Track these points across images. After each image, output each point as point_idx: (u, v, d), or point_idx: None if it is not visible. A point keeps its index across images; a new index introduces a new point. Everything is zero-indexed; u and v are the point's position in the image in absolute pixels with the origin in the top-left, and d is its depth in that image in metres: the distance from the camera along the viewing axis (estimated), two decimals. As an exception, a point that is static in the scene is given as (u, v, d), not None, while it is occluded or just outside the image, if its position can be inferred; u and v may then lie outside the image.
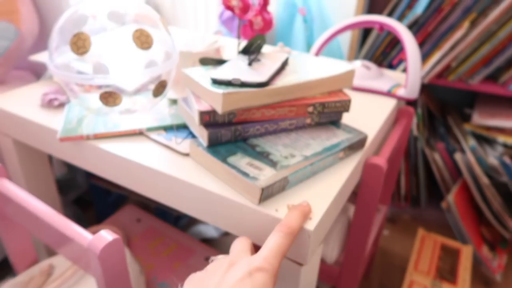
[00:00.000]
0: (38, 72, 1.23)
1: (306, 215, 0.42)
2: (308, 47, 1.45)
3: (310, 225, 0.47)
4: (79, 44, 0.59)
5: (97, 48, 0.60)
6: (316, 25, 1.45)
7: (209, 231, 1.29)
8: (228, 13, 1.44)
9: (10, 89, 1.09)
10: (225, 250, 1.02)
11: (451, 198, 1.21)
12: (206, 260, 0.83)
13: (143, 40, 0.61)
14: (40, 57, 0.87)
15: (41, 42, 1.19)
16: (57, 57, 0.66)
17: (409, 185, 1.43)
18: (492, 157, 1.20)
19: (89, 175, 1.24)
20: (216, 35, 1.33)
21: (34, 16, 1.10)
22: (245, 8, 0.67)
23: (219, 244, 1.23)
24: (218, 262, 0.37)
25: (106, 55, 0.63)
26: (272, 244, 0.37)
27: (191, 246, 0.86)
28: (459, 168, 1.29)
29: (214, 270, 0.36)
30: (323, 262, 0.86)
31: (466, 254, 1.03)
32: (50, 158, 1.14)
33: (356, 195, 0.73)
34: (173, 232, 0.91)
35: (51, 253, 0.92)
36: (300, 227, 0.40)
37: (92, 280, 0.72)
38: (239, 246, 0.40)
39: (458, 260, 1.02)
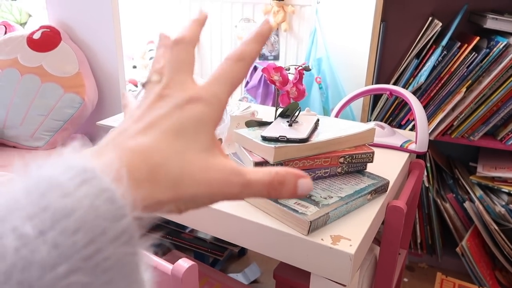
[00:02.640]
0: (91, 136, 1.41)
1: (262, 38, 0.29)
2: (324, 111, 1.64)
3: (351, 250, 0.59)
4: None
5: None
6: (330, 92, 1.64)
7: (239, 279, 1.37)
8: (253, 83, 1.65)
9: (70, 150, 1.26)
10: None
11: (465, 243, 1.31)
12: (249, 297, 0.93)
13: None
14: (107, 122, 1.04)
15: (98, 110, 1.38)
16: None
17: (424, 234, 1.52)
18: (499, 206, 1.32)
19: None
20: (242, 101, 1.52)
21: (95, 88, 1.31)
22: (284, 82, 0.84)
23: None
24: (152, 92, 0.27)
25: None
26: (217, 71, 0.27)
27: (233, 285, 0.96)
28: (469, 216, 1.40)
29: (143, 103, 0.26)
30: (352, 300, 0.95)
31: (483, 296, 1.11)
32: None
33: (381, 237, 0.84)
34: (215, 274, 1.01)
35: None
36: (255, 52, 0.28)
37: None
38: (176, 71, 0.27)
39: (477, 302, 1.10)
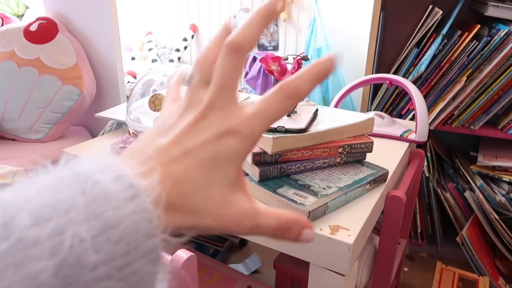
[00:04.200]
0: (90, 128, 1.41)
1: (322, 76, 0.27)
2: (323, 101, 1.63)
3: (350, 239, 0.59)
4: (156, 103, 0.75)
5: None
6: (330, 82, 1.63)
7: (240, 269, 1.38)
8: (252, 74, 1.64)
9: (70, 142, 1.26)
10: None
11: (465, 232, 1.31)
12: (249, 287, 0.93)
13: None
14: (105, 113, 1.04)
15: (97, 102, 1.37)
16: (131, 113, 0.82)
17: (424, 223, 1.52)
18: (500, 195, 1.32)
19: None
20: (242, 92, 1.51)
21: (93, 80, 1.30)
22: (283, 72, 0.84)
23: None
24: (195, 100, 0.27)
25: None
26: (263, 104, 0.26)
27: (233, 275, 0.97)
28: (470, 205, 1.40)
29: (185, 112, 0.27)
30: (352, 290, 0.95)
31: (483, 284, 1.11)
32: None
33: (381, 227, 0.84)
34: (215, 264, 1.01)
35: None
36: (307, 94, 0.27)
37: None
38: (223, 87, 0.26)
39: (477, 291, 1.10)
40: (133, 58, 2.40)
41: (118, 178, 0.20)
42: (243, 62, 0.27)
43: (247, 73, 1.70)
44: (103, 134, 1.05)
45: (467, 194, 1.38)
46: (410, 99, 1.37)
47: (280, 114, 0.27)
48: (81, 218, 0.18)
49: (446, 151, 1.57)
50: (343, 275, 0.62)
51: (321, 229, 0.62)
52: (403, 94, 1.40)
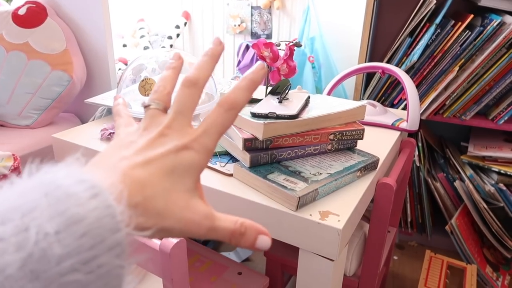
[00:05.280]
0: (80, 115, 1.39)
1: (254, 85, 0.32)
2: (316, 90, 1.62)
3: (339, 225, 0.59)
4: (146, 88, 0.74)
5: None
6: (323, 72, 1.63)
7: (231, 257, 1.38)
8: (245, 62, 1.63)
9: (59, 128, 1.24)
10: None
11: (454, 221, 1.32)
12: (239, 274, 0.94)
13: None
14: (95, 99, 1.02)
15: (87, 89, 1.35)
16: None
17: (414, 212, 1.54)
18: (489, 185, 1.33)
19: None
20: (234, 80, 1.50)
21: (83, 66, 1.28)
22: (275, 58, 0.83)
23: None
24: (153, 122, 0.31)
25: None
26: (209, 120, 0.31)
27: (224, 263, 0.97)
28: (459, 195, 1.41)
29: (145, 132, 0.31)
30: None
31: (471, 272, 1.13)
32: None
33: (371, 214, 0.85)
34: (207, 251, 1.02)
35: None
36: (246, 101, 0.32)
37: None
38: (180, 113, 0.31)
39: (464, 278, 1.12)
40: (124, 45, 2.37)
41: (81, 181, 0.22)
42: (198, 93, 0.32)
43: (239, 62, 1.68)
44: (93, 120, 1.04)
45: (457, 184, 1.40)
46: (402, 89, 1.37)
47: (226, 126, 0.31)
48: (45, 216, 0.20)
49: (437, 142, 1.58)
50: (332, 260, 0.63)
51: (311, 215, 0.62)
52: (396, 84, 1.40)
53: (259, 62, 0.32)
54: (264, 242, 0.31)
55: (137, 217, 0.25)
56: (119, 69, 1.89)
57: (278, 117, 0.70)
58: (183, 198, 0.29)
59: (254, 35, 2.10)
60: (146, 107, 0.32)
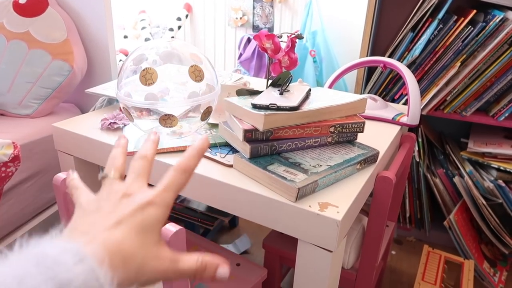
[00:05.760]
0: (81, 105, 1.39)
1: (201, 153, 0.39)
2: (317, 84, 1.62)
3: (338, 216, 0.60)
4: (147, 77, 0.74)
5: (162, 80, 0.75)
6: (325, 66, 1.62)
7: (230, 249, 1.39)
8: (246, 55, 1.62)
9: (60, 118, 1.24)
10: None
11: (453, 217, 1.33)
12: (238, 265, 0.94)
13: (197, 74, 0.76)
14: (95, 90, 1.02)
15: (88, 80, 1.35)
16: (121, 88, 0.81)
17: (413, 208, 1.54)
18: (488, 181, 1.33)
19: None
20: (235, 73, 1.50)
21: (84, 56, 1.27)
22: (276, 50, 0.83)
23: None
24: (114, 188, 0.36)
25: (166, 86, 0.78)
26: (167, 180, 0.36)
27: (223, 253, 0.97)
28: (458, 191, 1.41)
29: (108, 197, 0.36)
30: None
31: (468, 267, 1.13)
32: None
33: (370, 208, 0.85)
34: (205, 242, 1.02)
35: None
36: (196, 165, 0.38)
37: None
38: (137, 177, 0.38)
39: (462, 273, 1.12)
40: (125, 37, 2.36)
41: (65, 249, 0.26)
42: (150, 164, 0.39)
43: (241, 55, 1.68)
44: (94, 110, 1.04)
45: (456, 179, 1.40)
46: (403, 84, 1.36)
47: (182, 184, 0.37)
48: (38, 281, 0.24)
49: (437, 138, 1.58)
50: (330, 251, 0.63)
51: (310, 206, 0.62)
52: (397, 79, 1.39)
53: (204, 135, 0.38)
54: (222, 273, 0.35)
55: (119, 275, 0.29)
56: (120, 60, 1.88)
57: (279, 108, 0.70)
58: (154, 250, 0.33)
59: (255, 28, 2.09)
60: (103, 178, 0.38)
